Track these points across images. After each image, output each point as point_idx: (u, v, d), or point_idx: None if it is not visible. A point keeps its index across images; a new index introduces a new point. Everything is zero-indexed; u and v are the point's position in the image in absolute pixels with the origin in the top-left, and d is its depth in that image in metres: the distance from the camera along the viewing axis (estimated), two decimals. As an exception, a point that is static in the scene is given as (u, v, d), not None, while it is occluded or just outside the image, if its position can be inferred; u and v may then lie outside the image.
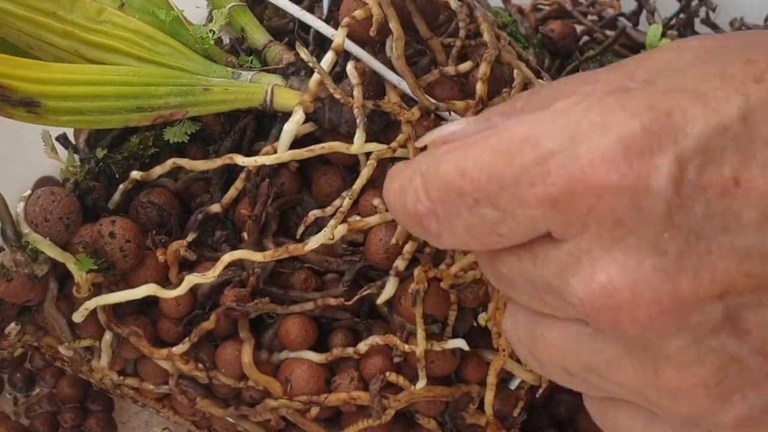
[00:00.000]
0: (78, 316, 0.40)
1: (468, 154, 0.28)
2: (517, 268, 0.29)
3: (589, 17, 0.65)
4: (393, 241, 0.40)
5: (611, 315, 0.26)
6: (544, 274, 0.28)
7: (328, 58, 0.41)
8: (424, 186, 0.29)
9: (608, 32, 0.63)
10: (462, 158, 0.28)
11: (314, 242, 0.40)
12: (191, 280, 0.39)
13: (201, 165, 0.42)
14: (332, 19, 0.44)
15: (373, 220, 0.40)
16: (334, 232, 0.40)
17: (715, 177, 0.25)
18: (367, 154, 0.41)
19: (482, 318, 0.41)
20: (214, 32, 0.43)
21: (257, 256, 0.40)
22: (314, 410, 0.42)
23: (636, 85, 0.28)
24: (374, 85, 0.42)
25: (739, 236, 0.25)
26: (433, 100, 0.40)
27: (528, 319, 0.31)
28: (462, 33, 0.44)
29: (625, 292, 0.25)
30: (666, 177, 0.25)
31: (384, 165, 0.40)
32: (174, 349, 0.41)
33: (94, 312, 0.41)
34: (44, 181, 0.58)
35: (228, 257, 0.39)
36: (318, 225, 0.42)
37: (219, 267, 0.39)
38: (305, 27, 0.44)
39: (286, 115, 0.41)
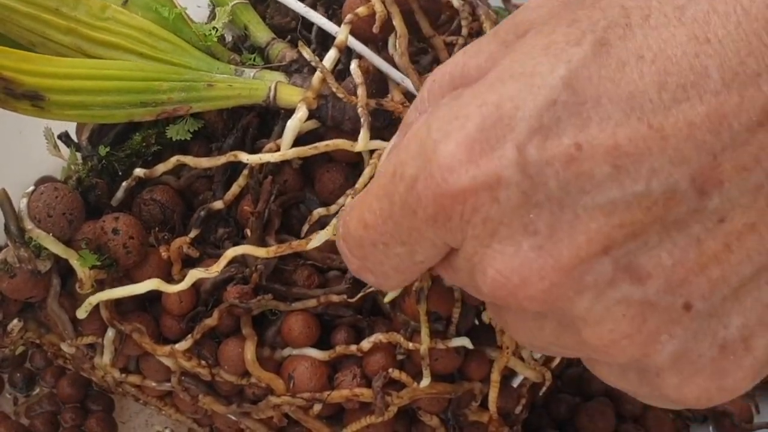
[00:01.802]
0: (82, 312, 0.40)
1: (363, 206, 0.30)
2: (452, 279, 0.31)
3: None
4: None
5: (513, 300, 0.27)
6: (462, 280, 0.30)
7: (331, 55, 0.41)
8: (347, 248, 0.32)
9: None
10: (360, 212, 0.31)
11: (318, 239, 0.40)
12: (194, 274, 0.39)
13: (205, 162, 0.42)
14: (335, 17, 0.44)
15: (376, 216, 0.40)
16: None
17: (557, 149, 0.25)
18: (371, 152, 0.41)
19: (486, 315, 0.42)
20: (216, 30, 0.43)
21: (261, 252, 0.40)
22: (317, 407, 0.42)
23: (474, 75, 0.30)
24: (377, 83, 0.42)
25: (598, 194, 0.25)
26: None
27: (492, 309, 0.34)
28: (464, 31, 0.44)
29: (513, 278, 0.27)
30: (510, 164, 0.26)
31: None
32: (177, 346, 0.41)
33: (96, 309, 0.41)
34: (45, 181, 0.58)
35: (232, 252, 0.39)
36: (321, 223, 0.42)
37: (222, 262, 0.39)
38: (307, 25, 0.44)
39: (289, 112, 0.41)
